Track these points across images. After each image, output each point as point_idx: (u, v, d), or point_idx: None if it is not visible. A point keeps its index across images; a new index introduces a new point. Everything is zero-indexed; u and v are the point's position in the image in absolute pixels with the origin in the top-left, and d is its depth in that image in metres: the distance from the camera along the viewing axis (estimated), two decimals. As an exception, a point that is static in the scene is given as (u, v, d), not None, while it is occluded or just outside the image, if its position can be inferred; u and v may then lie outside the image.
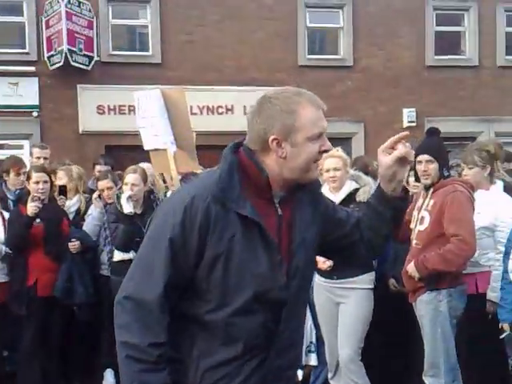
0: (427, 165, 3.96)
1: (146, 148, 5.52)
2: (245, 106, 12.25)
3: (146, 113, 5.38)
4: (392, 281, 4.78)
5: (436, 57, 13.13)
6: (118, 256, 5.03)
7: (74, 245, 5.13)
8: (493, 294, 4.18)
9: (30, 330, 5.01)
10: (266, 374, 1.86)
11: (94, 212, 5.48)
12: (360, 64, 12.76)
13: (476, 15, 13.21)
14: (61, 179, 5.54)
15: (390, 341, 4.67)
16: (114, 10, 12.33)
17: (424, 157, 3.96)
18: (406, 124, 12.90)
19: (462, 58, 13.44)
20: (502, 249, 4.12)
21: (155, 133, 5.35)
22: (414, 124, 12.77)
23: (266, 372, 1.86)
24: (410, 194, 5.07)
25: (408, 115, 12.94)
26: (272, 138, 1.81)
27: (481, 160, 4.36)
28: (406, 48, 12.87)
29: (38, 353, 5.03)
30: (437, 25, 13.19)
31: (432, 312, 3.86)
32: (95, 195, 5.59)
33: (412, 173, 4.81)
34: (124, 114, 12.00)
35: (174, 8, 12.17)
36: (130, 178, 4.99)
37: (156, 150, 5.47)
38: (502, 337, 4.01)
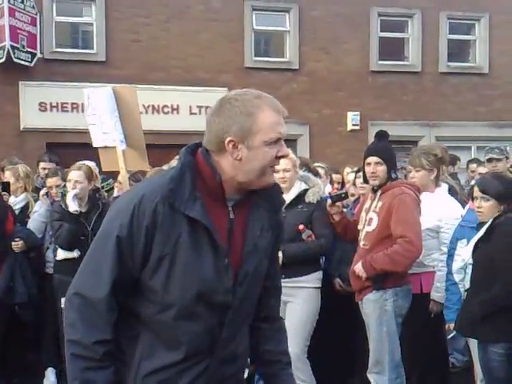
0: (376, 167, 4.03)
1: (94, 145, 5.44)
2: (190, 106, 12.25)
3: (95, 110, 5.30)
4: (338, 280, 4.84)
5: (380, 62, 13.38)
6: (62, 255, 4.93)
7: (17, 244, 5.00)
8: (437, 294, 4.30)
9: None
10: (209, 382, 1.85)
11: (41, 209, 5.37)
12: (305, 67, 12.88)
13: (419, 22, 13.53)
14: (6, 178, 5.42)
15: (335, 339, 4.73)
16: (58, 7, 12.04)
17: (373, 159, 4.04)
18: (350, 127, 13.11)
19: (405, 64, 13.74)
20: (446, 250, 4.25)
21: (105, 130, 5.28)
22: (357, 127, 12.99)
23: (208, 380, 1.85)
24: (357, 195, 5.24)
25: (352, 118, 13.14)
26: (228, 139, 1.79)
27: (428, 163, 4.48)
28: (351, 53, 13.08)
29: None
30: (381, 31, 13.43)
31: (378, 311, 3.93)
32: (42, 192, 5.50)
33: (359, 174, 4.92)
34: (66, 111, 11.76)
35: (120, 6, 11.99)
36: (74, 174, 4.92)
37: (105, 147, 5.39)
38: (449, 337, 4.12)
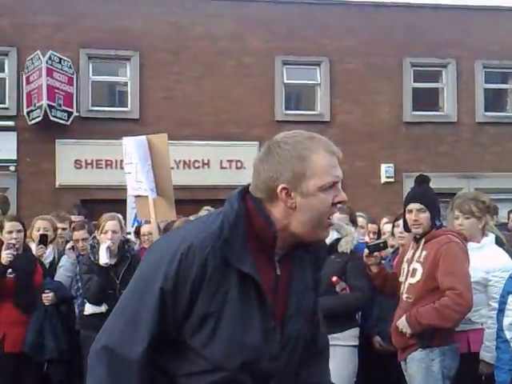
0: (418, 214, 3.80)
1: (129, 194, 5.45)
2: (221, 161, 12.30)
3: (131, 159, 5.31)
4: (377, 339, 4.57)
5: (414, 112, 13.27)
6: (90, 309, 4.81)
7: (47, 296, 4.87)
8: (487, 355, 3.94)
9: (-1, 390, 4.73)
10: None
11: (67, 263, 5.28)
12: (337, 119, 12.85)
13: (454, 72, 13.45)
14: (45, 229, 5.33)
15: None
16: (94, 67, 12.40)
17: (415, 205, 3.82)
18: (383, 180, 12.91)
19: (441, 114, 13.61)
20: (495, 305, 3.92)
21: (139, 179, 5.27)
22: (392, 180, 12.79)
23: None
24: (396, 245, 5.00)
25: (386, 170, 12.96)
26: (281, 186, 1.62)
27: (478, 211, 4.21)
28: (384, 104, 13.02)
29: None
30: (414, 81, 13.39)
31: (424, 371, 3.63)
32: (69, 246, 5.42)
33: (397, 223, 4.69)
34: (101, 168, 11.94)
35: (154, 65, 12.26)
36: (111, 225, 4.84)
37: (139, 196, 5.38)
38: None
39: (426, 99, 13.74)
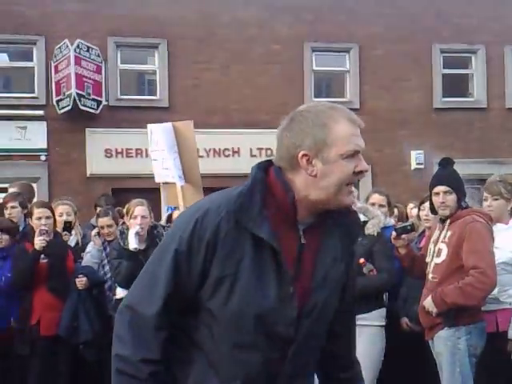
0: (445, 196, 3.82)
1: (156, 180, 5.51)
2: (251, 149, 12.31)
3: (157, 146, 5.36)
4: (405, 319, 4.59)
5: (444, 99, 13.13)
6: (121, 293, 4.86)
7: (81, 281, 4.97)
8: (514, 333, 3.96)
9: (35, 372, 4.84)
10: None
11: (93, 250, 5.36)
12: (366, 106, 12.75)
13: (484, 57, 13.26)
14: (67, 214, 5.45)
15: (404, 381, 4.44)
16: (122, 55, 12.48)
17: (441, 188, 3.84)
18: (414, 166, 12.81)
19: (470, 100, 13.43)
20: (525, 285, 3.93)
21: (165, 166, 5.32)
22: (422, 166, 12.67)
23: None
24: (423, 228, 4.99)
25: (416, 157, 12.85)
26: (302, 153, 1.65)
27: (507, 192, 4.21)
28: (413, 90, 12.89)
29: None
30: (444, 67, 13.23)
31: (450, 349, 3.65)
32: (94, 232, 5.49)
33: (423, 206, 4.70)
34: (131, 157, 12.03)
35: (182, 53, 12.30)
36: (139, 210, 4.89)
37: (166, 183, 5.43)
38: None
39: (456, 85, 13.57)
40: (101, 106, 11.82)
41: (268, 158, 1.77)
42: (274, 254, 1.63)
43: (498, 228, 4.05)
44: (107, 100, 12.03)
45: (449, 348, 3.65)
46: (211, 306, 1.64)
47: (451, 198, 3.80)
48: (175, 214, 6.26)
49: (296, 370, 1.72)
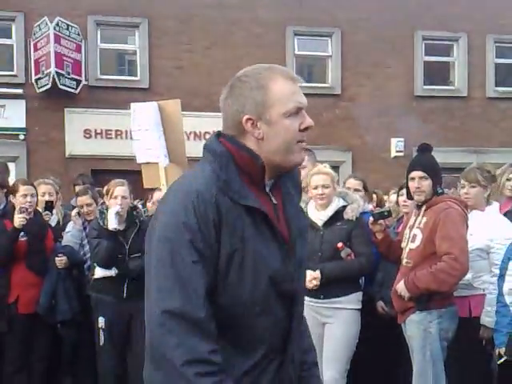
0: (420, 181, 3.84)
1: (138, 161, 5.42)
2: (232, 133, 12.24)
3: (140, 125, 5.30)
4: (380, 303, 4.64)
5: (425, 87, 13.18)
6: (100, 273, 4.86)
7: (61, 260, 4.97)
8: (487, 319, 4.02)
9: (13, 349, 4.84)
10: (283, 381, 1.71)
11: (73, 230, 5.33)
12: (348, 93, 12.78)
13: (465, 46, 13.33)
14: (50, 194, 5.41)
15: (377, 363, 4.49)
16: (102, 34, 12.32)
17: (417, 173, 3.86)
18: (393, 154, 12.87)
19: (451, 89, 13.50)
20: (497, 271, 3.98)
21: (148, 146, 5.26)
22: (401, 154, 12.74)
23: (282, 378, 1.71)
24: (401, 213, 5.04)
25: (396, 145, 12.91)
26: (245, 118, 1.65)
27: (483, 179, 4.26)
28: (395, 77, 12.92)
29: (21, 373, 4.86)
30: (426, 55, 13.28)
31: (422, 333, 3.70)
32: (74, 212, 5.46)
33: (402, 192, 4.73)
34: (111, 138, 11.95)
35: (163, 34, 12.19)
36: (120, 190, 4.87)
37: (148, 163, 5.38)
38: (499, 362, 3.84)
39: (437, 73, 13.64)
40: (80, 86, 11.70)
41: (215, 132, 1.76)
42: (265, 218, 1.66)
43: (473, 215, 4.09)
44: (87, 80, 11.90)
45: (420, 331, 3.69)
46: (226, 283, 1.62)
47: (426, 184, 3.83)
48: (156, 195, 6.18)
49: (299, 326, 1.77)
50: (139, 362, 4.83)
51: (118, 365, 4.86)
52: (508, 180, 4.83)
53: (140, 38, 12.35)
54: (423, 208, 3.87)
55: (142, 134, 5.36)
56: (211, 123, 12.15)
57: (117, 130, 11.87)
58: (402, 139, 12.83)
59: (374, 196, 6.16)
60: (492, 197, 4.43)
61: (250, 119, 1.66)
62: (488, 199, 4.33)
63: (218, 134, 1.74)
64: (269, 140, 1.67)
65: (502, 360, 3.76)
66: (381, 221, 4.19)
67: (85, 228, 5.33)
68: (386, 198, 6.27)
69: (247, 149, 1.68)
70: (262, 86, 1.65)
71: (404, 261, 3.89)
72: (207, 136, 12.23)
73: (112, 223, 4.73)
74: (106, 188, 5.06)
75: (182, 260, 1.56)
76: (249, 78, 1.68)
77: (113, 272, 4.78)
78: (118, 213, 4.75)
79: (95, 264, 4.92)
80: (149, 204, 6.23)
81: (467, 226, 3.79)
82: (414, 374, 3.79)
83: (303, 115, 1.69)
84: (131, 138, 5.83)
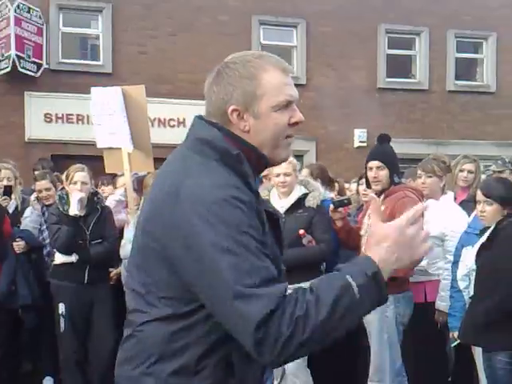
0: (378, 171, 3.94)
1: (99, 146, 5.37)
2: (197, 120, 12.21)
3: (103, 110, 5.25)
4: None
5: (387, 79, 13.36)
6: (61, 259, 4.82)
7: (18, 244, 4.91)
8: (441, 304, 4.16)
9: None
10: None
11: (32, 215, 5.27)
12: (313, 83, 12.85)
13: (427, 40, 13.54)
14: (9, 179, 5.36)
15: (337, 347, 4.58)
16: (64, 18, 12.13)
17: (374, 163, 3.96)
18: (356, 144, 13.03)
19: (413, 82, 13.72)
20: (451, 258, 4.12)
21: (111, 131, 5.22)
22: (364, 144, 12.91)
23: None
24: (361, 202, 5.13)
25: (359, 135, 13.07)
26: (231, 108, 1.55)
27: (439, 170, 4.40)
28: (359, 69, 13.06)
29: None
30: (389, 48, 13.45)
31: (379, 318, 3.80)
32: (33, 197, 5.40)
33: (362, 181, 4.83)
34: (72, 122, 11.78)
35: (127, 19, 12.06)
36: (80, 176, 4.81)
37: (110, 148, 5.33)
38: (453, 345, 3.98)
39: (400, 66, 13.83)
40: (41, 69, 11.50)
41: (202, 120, 1.61)
42: (276, 222, 1.65)
43: (429, 204, 4.21)
44: (48, 63, 11.70)
45: (377, 316, 3.78)
46: None
47: (383, 174, 3.93)
48: (121, 180, 6.07)
49: None
50: (100, 348, 4.89)
51: (79, 350, 4.84)
52: (461, 171, 5.00)
53: (103, 22, 12.18)
54: (382, 197, 3.96)
55: (105, 118, 5.32)
56: (175, 110, 12.14)
57: (78, 115, 11.71)
58: (365, 130, 12.99)
59: (336, 185, 6.25)
60: (447, 186, 4.58)
61: (236, 110, 1.55)
62: (443, 189, 4.47)
63: (209, 123, 1.59)
64: (255, 133, 1.56)
65: (456, 343, 3.89)
66: (340, 209, 4.27)
67: (43, 213, 5.27)
68: (347, 186, 6.37)
69: (255, 148, 1.57)
70: (253, 75, 1.55)
71: (363, 248, 3.97)
72: (171, 123, 12.18)
73: (74, 209, 4.68)
74: (65, 173, 5.01)
75: (246, 249, 1.40)
76: (238, 66, 1.56)
77: (73, 258, 4.74)
78: (81, 199, 4.72)
79: (55, 250, 4.88)
80: (104, 188, 6.13)
81: (423, 215, 3.88)
82: (372, 357, 3.89)
83: (293, 109, 1.59)
84: (93, 123, 5.77)
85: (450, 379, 4.72)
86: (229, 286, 1.36)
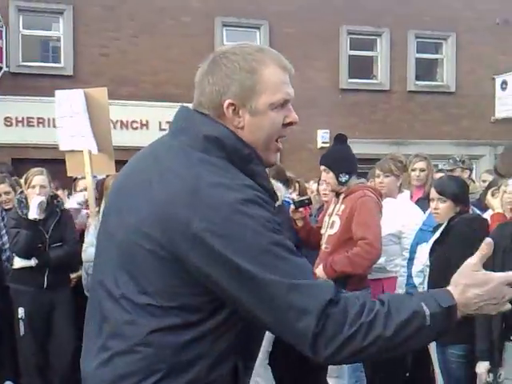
0: (325, 174, 4.09)
1: (61, 148, 5.36)
2: (160, 122, 12.19)
3: (65, 112, 5.24)
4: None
5: (350, 80, 13.52)
6: (19, 263, 4.79)
7: None
8: (399, 300, 4.24)
9: None
10: None
11: None
12: (276, 84, 12.92)
13: (388, 41, 13.75)
14: None
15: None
16: (24, 20, 11.98)
17: (322, 167, 4.10)
18: (319, 145, 13.15)
19: (374, 82, 13.91)
20: (408, 255, 4.21)
21: (73, 133, 5.22)
22: (327, 145, 13.00)
23: None
24: (322, 202, 5.20)
25: (322, 136, 13.19)
26: (228, 102, 1.45)
27: (396, 169, 4.49)
28: (321, 70, 13.18)
29: None
30: (351, 49, 13.62)
31: (337, 314, 3.86)
32: None
33: (322, 181, 4.90)
34: (32, 126, 11.64)
35: (88, 20, 11.96)
36: (39, 179, 4.77)
37: (72, 151, 5.32)
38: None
39: (362, 67, 14.02)
40: (1, 73, 11.35)
41: (196, 113, 1.51)
42: None
43: (387, 202, 4.29)
44: (8, 66, 11.55)
45: (336, 313, 3.86)
46: None
47: (330, 176, 4.03)
48: (81, 183, 6.02)
49: None
50: (61, 351, 4.84)
51: (39, 354, 4.81)
52: (413, 170, 5.12)
53: (64, 24, 12.07)
54: (341, 196, 4.04)
55: (67, 121, 5.31)
56: (138, 112, 12.09)
57: (39, 118, 11.58)
58: (328, 131, 13.12)
59: (297, 185, 6.32)
60: (403, 185, 4.68)
61: (232, 104, 1.46)
62: (400, 188, 4.57)
63: (212, 119, 1.49)
64: (249, 131, 1.48)
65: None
66: (301, 209, 4.33)
67: (3, 218, 5.21)
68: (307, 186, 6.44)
69: (255, 151, 1.49)
70: (253, 69, 1.46)
71: (323, 246, 4.05)
72: (134, 125, 12.11)
73: (33, 213, 4.65)
74: (24, 177, 4.97)
75: (287, 258, 1.35)
76: (238, 58, 1.46)
77: (32, 262, 4.71)
78: (41, 203, 4.68)
79: (14, 254, 4.83)
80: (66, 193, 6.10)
81: (381, 213, 3.98)
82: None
83: (289, 109, 1.53)
84: (54, 126, 5.75)
85: (407, 374, 4.82)
86: (280, 281, 1.29)
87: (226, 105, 1.45)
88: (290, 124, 1.52)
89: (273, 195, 1.51)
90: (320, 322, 1.29)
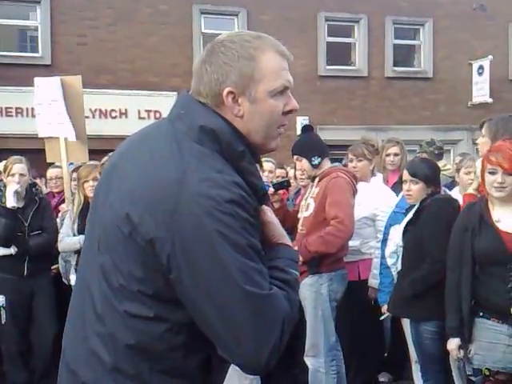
0: (298, 162, 4.21)
1: (40, 135, 5.43)
2: (139, 111, 12.17)
3: (43, 100, 5.29)
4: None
5: (328, 67, 13.57)
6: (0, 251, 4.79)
7: None
8: (374, 281, 4.36)
9: None
10: None
11: None
12: (255, 71, 12.94)
13: (366, 27, 13.81)
14: None
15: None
16: (1, 10, 11.88)
17: (294, 156, 4.22)
18: (299, 132, 13.17)
19: (352, 69, 13.98)
20: (381, 237, 4.31)
21: (50, 120, 5.28)
22: (307, 132, 13.09)
23: None
24: (299, 187, 5.28)
25: (301, 123, 13.23)
26: (227, 90, 1.44)
27: (369, 153, 4.59)
28: (299, 57, 13.19)
29: None
30: (328, 35, 13.66)
31: (314, 295, 3.96)
32: None
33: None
34: (11, 116, 11.54)
35: (66, 9, 11.87)
36: (18, 168, 4.79)
37: (50, 137, 5.38)
38: (381, 318, 4.18)
39: (339, 54, 14.07)
40: (-22, 62, 11.22)
41: (193, 100, 1.49)
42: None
43: (361, 186, 4.38)
44: (-15, 56, 11.42)
45: (312, 293, 3.95)
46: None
47: (303, 163, 4.16)
48: (53, 173, 6.01)
49: None
50: (43, 339, 4.88)
51: (22, 342, 4.86)
52: (387, 155, 5.23)
53: (42, 13, 11.97)
54: (316, 179, 4.12)
55: (45, 108, 5.37)
56: (117, 101, 12.04)
57: (17, 108, 11.49)
58: (307, 117, 13.14)
59: (279, 171, 6.39)
60: (376, 169, 4.78)
61: (231, 92, 1.45)
62: (373, 171, 4.67)
63: (211, 110, 1.47)
64: (249, 119, 1.47)
65: (385, 316, 4.10)
66: (280, 191, 4.42)
67: (-18, 206, 5.21)
68: (282, 171, 6.52)
69: (249, 147, 1.48)
70: (252, 56, 1.45)
71: (299, 228, 4.14)
72: (113, 114, 12.06)
73: (10, 201, 4.67)
74: (3, 165, 4.98)
75: (248, 257, 1.34)
76: (236, 45, 1.46)
77: (12, 250, 4.74)
78: (16, 191, 4.70)
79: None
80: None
81: (354, 194, 4.06)
82: (307, 332, 4.04)
83: (289, 96, 1.51)
84: (33, 116, 5.79)
85: (386, 354, 4.94)
86: (239, 286, 1.30)
87: (225, 93, 1.44)
88: (290, 112, 1.52)
89: (262, 195, 1.50)
90: (283, 333, 1.39)
